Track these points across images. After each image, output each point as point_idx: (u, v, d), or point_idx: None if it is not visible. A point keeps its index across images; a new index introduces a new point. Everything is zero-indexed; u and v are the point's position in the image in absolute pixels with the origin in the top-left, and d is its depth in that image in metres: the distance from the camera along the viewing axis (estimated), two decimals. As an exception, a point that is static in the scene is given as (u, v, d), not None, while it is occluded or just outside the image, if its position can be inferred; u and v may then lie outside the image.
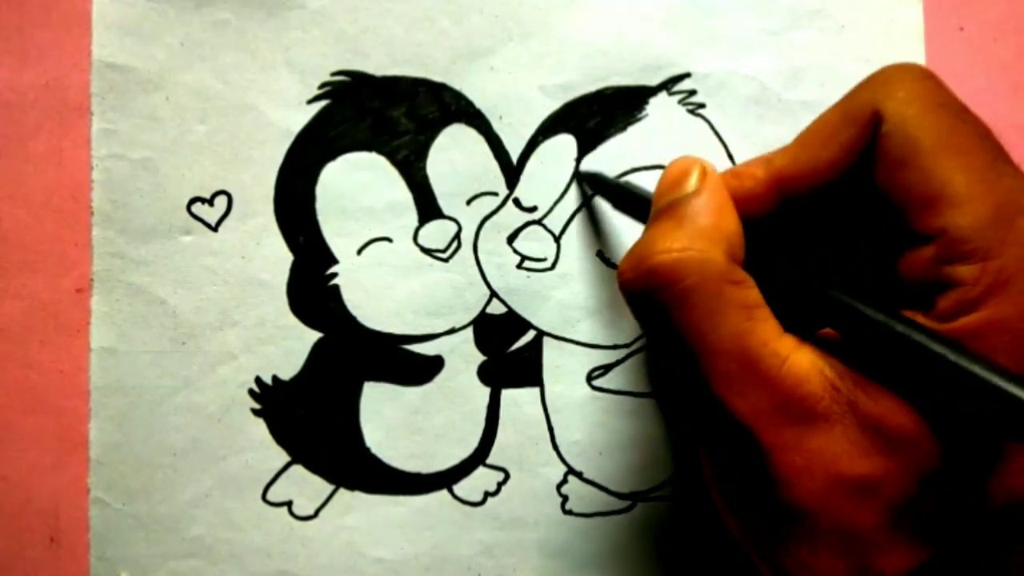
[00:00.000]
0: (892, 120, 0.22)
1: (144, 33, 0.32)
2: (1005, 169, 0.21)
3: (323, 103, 0.32)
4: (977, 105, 0.33)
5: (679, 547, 0.33)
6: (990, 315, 0.20)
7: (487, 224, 0.32)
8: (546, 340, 0.33)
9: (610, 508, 0.33)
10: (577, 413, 0.33)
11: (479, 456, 0.33)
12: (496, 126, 0.32)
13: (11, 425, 0.32)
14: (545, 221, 0.32)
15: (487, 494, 0.33)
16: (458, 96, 0.32)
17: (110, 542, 0.32)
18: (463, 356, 0.33)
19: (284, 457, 0.33)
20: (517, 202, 0.32)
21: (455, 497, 0.33)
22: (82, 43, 0.32)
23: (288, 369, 0.32)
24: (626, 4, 0.32)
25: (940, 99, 0.22)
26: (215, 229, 0.32)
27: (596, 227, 0.32)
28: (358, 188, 0.32)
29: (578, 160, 0.32)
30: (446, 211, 0.32)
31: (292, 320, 0.32)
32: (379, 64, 0.32)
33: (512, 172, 0.32)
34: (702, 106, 0.33)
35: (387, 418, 0.33)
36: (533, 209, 0.32)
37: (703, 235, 0.22)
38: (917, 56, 0.33)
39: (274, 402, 0.32)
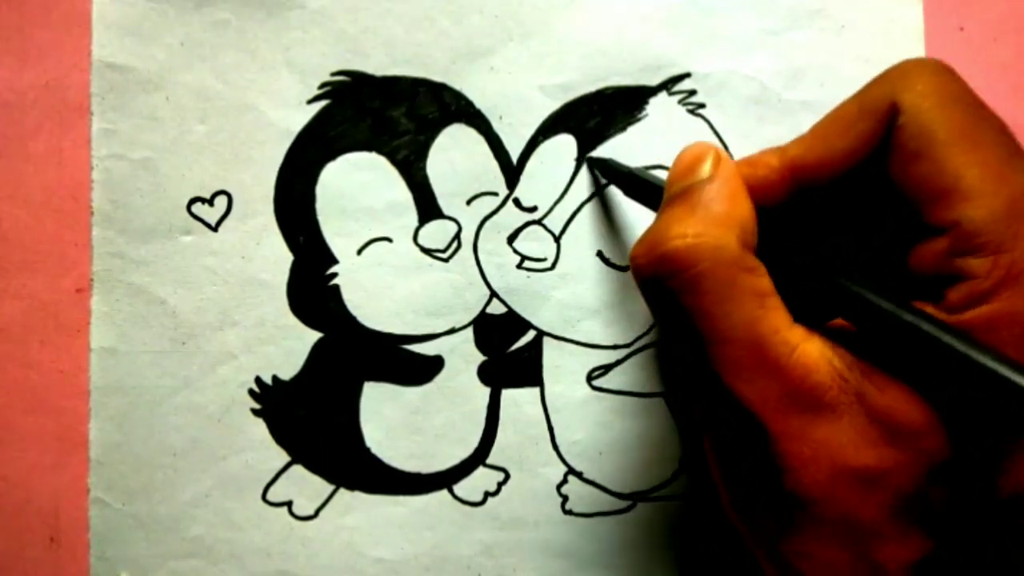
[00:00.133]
0: (908, 112, 0.22)
1: (144, 33, 0.32)
2: (1020, 164, 0.21)
3: (323, 103, 0.32)
4: (977, 105, 0.33)
5: (679, 547, 0.33)
6: (1000, 308, 0.20)
7: (487, 224, 0.32)
8: (546, 340, 0.33)
9: (610, 508, 0.33)
10: (577, 413, 0.33)
11: (479, 456, 0.33)
12: (496, 126, 0.32)
13: (11, 425, 0.32)
14: (545, 221, 0.32)
15: (487, 494, 0.33)
16: (458, 96, 0.32)
17: (110, 542, 0.32)
18: (463, 356, 0.33)
19: (284, 457, 0.33)
20: (517, 202, 0.32)
21: (455, 497, 0.33)
22: (82, 43, 0.32)
23: (288, 369, 0.32)
24: (626, 4, 0.32)
25: (957, 93, 0.22)
26: (215, 229, 0.32)
27: (597, 227, 0.32)
28: (358, 188, 0.32)
29: (578, 160, 0.32)
30: (446, 211, 0.32)
31: (292, 320, 0.32)
32: (379, 64, 0.32)
33: (512, 172, 0.32)
34: (702, 106, 0.33)
35: (387, 418, 0.33)
36: (533, 209, 0.32)
37: (717, 221, 0.22)
38: (917, 56, 0.33)
39: (274, 402, 0.32)
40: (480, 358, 0.33)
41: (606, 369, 0.33)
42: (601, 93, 0.32)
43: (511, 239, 0.32)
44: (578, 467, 0.33)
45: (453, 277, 0.32)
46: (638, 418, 0.33)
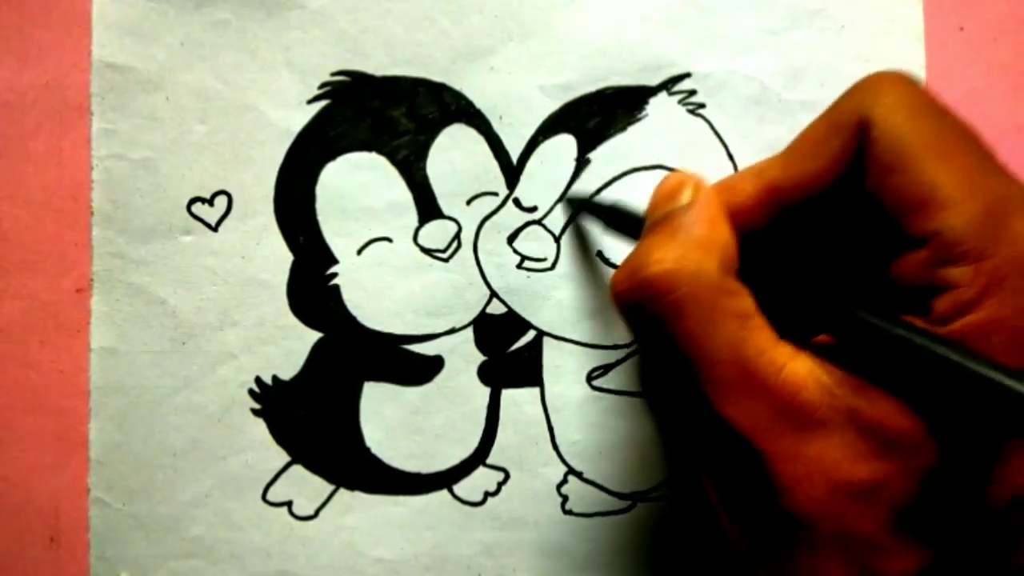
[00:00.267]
0: (879, 127, 0.22)
1: (144, 33, 0.32)
2: (993, 170, 0.22)
3: (323, 103, 0.32)
4: (977, 105, 0.33)
5: (679, 547, 0.33)
6: (987, 316, 0.20)
7: (487, 224, 0.32)
8: (546, 340, 0.33)
9: (610, 508, 0.33)
10: (577, 413, 0.33)
11: (479, 456, 0.33)
12: (496, 126, 0.32)
13: (11, 425, 0.32)
14: (545, 221, 0.32)
15: (487, 494, 0.33)
16: (458, 96, 0.32)
17: (110, 542, 0.32)
18: (463, 356, 0.33)
19: (284, 457, 0.33)
20: (517, 202, 0.32)
21: (455, 497, 0.33)
22: (82, 43, 0.32)
23: (288, 369, 0.32)
24: (626, 4, 0.32)
25: (925, 104, 0.22)
26: (215, 229, 0.32)
27: (597, 227, 0.32)
28: (358, 188, 0.32)
29: (578, 160, 0.32)
30: (446, 211, 0.32)
31: (292, 320, 0.32)
32: (379, 64, 0.32)
33: (512, 172, 0.32)
34: (702, 106, 0.33)
35: (387, 418, 0.33)
36: (533, 209, 0.32)
37: (696, 246, 0.23)
38: (917, 56, 0.33)
39: (274, 402, 0.32)
40: (480, 358, 0.33)
41: (606, 369, 0.33)
42: (601, 93, 0.32)
43: (511, 239, 0.32)
44: (578, 467, 0.33)
45: (453, 277, 0.32)
46: (638, 418, 0.33)
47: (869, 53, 0.33)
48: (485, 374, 0.33)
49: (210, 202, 0.32)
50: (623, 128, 0.32)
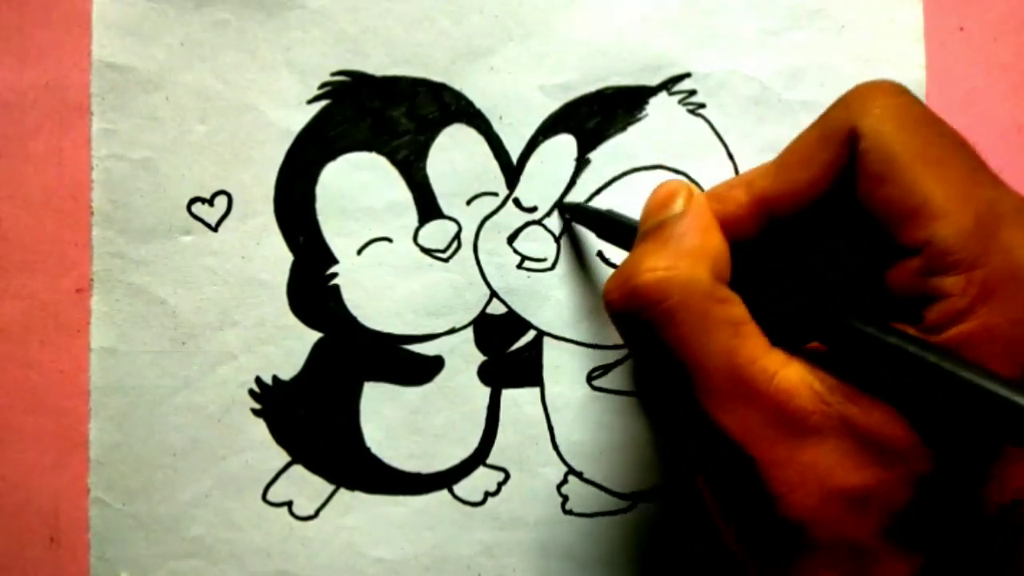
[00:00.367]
0: (869, 137, 0.22)
1: (144, 33, 0.32)
2: (984, 179, 0.22)
3: (323, 103, 0.32)
4: (977, 105, 0.33)
5: (679, 547, 0.33)
6: (979, 325, 0.20)
7: (487, 224, 0.32)
8: (546, 340, 0.33)
9: (610, 508, 0.33)
10: (577, 413, 0.33)
11: (479, 456, 0.33)
12: (496, 126, 0.32)
13: (11, 425, 0.32)
14: (545, 221, 0.32)
15: (487, 494, 0.33)
16: (458, 96, 0.32)
17: (110, 542, 0.32)
18: (463, 356, 0.33)
19: (284, 457, 0.33)
20: (517, 202, 0.32)
21: (455, 497, 0.33)
22: (82, 43, 0.32)
23: (288, 369, 0.32)
24: (626, 4, 0.32)
25: (915, 114, 0.22)
26: (215, 229, 0.32)
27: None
28: (358, 188, 0.32)
29: (578, 160, 0.32)
30: (446, 211, 0.32)
31: (292, 320, 0.32)
32: (379, 64, 0.32)
33: (512, 172, 0.32)
34: (702, 106, 0.33)
35: (387, 418, 0.33)
36: (533, 209, 0.32)
37: (688, 254, 0.23)
38: (917, 56, 0.33)
39: (274, 402, 0.32)
40: (480, 358, 0.33)
41: (606, 369, 0.33)
42: (601, 93, 0.32)
43: (511, 239, 0.32)
44: (578, 467, 0.33)
45: (453, 277, 0.32)
46: (638, 418, 0.33)
47: (869, 53, 0.33)
48: (485, 374, 0.33)
49: (210, 202, 0.32)
50: (623, 128, 0.32)
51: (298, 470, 0.33)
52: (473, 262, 0.32)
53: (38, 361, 0.32)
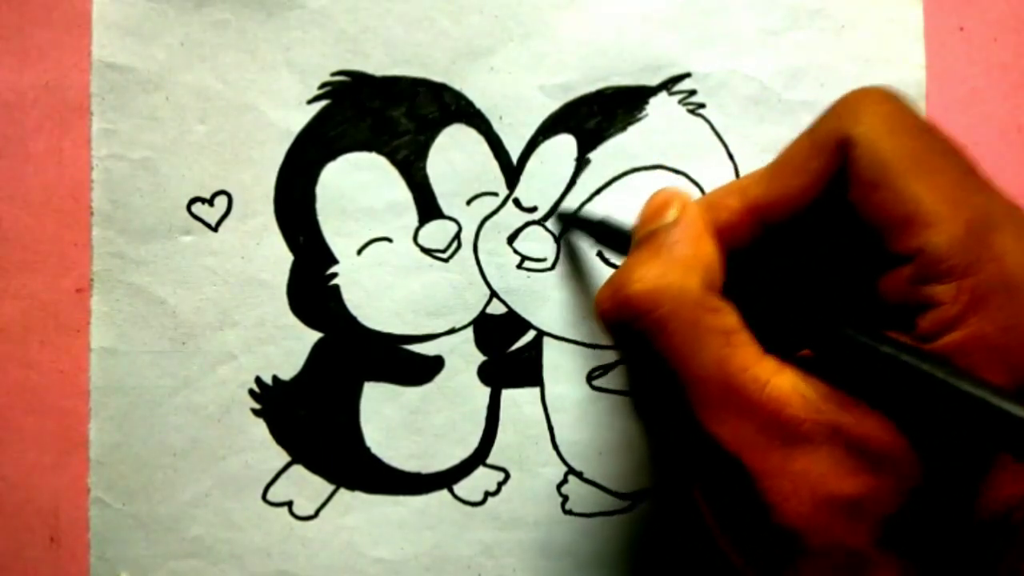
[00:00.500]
0: (861, 145, 0.22)
1: (144, 33, 0.32)
2: (976, 185, 0.22)
3: (323, 103, 0.32)
4: (977, 105, 0.33)
5: (679, 547, 0.33)
6: (971, 333, 0.20)
7: (487, 224, 0.32)
8: (546, 340, 0.33)
9: (610, 508, 0.33)
10: (577, 413, 0.33)
11: (479, 456, 0.33)
12: (496, 126, 0.32)
13: (11, 425, 0.32)
14: (545, 221, 0.32)
15: (487, 494, 0.33)
16: (458, 96, 0.32)
17: (110, 542, 0.32)
18: (463, 356, 0.33)
19: (284, 457, 0.33)
20: (517, 202, 0.32)
21: (455, 497, 0.33)
22: (82, 43, 0.32)
23: (288, 369, 0.32)
24: (626, 4, 0.32)
25: (906, 121, 0.22)
26: (215, 229, 0.32)
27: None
28: (358, 188, 0.32)
29: (578, 160, 0.32)
30: (446, 211, 0.32)
31: (292, 320, 0.32)
32: (379, 64, 0.32)
33: (512, 172, 0.32)
34: (702, 106, 0.33)
35: (387, 418, 0.33)
36: (533, 209, 0.32)
37: (679, 264, 0.23)
38: (917, 56, 0.33)
39: (274, 402, 0.32)
40: (480, 358, 0.33)
41: (606, 369, 0.33)
42: (601, 93, 0.32)
43: (511, 239, 0.32)
44: (578, 467, 0.33)
45: (453, 277, 0.32)
46: (638, 418, 0.33)
47: (869, 53, 0.33)
48: (485, 374, 0.33)
49: (210, 202, 0.32)
50: (623, 128, 0.32)
51: (298, 470, 0.33)
52: (473, 262, 0.32)
53: (38, 361, 0.32)
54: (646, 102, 0.32)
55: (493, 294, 0.32)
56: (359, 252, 0.32)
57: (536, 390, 0.33)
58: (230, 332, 0.32)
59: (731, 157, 0.33)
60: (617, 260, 0.32)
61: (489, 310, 0.33)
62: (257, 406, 0.32)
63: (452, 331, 0.33)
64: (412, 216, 0.32)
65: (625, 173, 0.32)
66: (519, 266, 0.32)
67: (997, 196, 0.22)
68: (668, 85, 0.32)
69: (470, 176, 0.32)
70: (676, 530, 0.33)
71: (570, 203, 0.32)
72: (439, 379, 0.33)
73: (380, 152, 0.32)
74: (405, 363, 0.33)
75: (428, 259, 0.32)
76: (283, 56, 0.32)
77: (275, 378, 0.32)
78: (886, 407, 0.21)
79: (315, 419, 0.33)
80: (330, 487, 0.33)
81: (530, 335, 0.33)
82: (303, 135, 0.32)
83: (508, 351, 0.33)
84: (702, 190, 0.32)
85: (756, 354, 0.22)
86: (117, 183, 0.32)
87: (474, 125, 0.32)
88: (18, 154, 0.32)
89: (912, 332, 0.21)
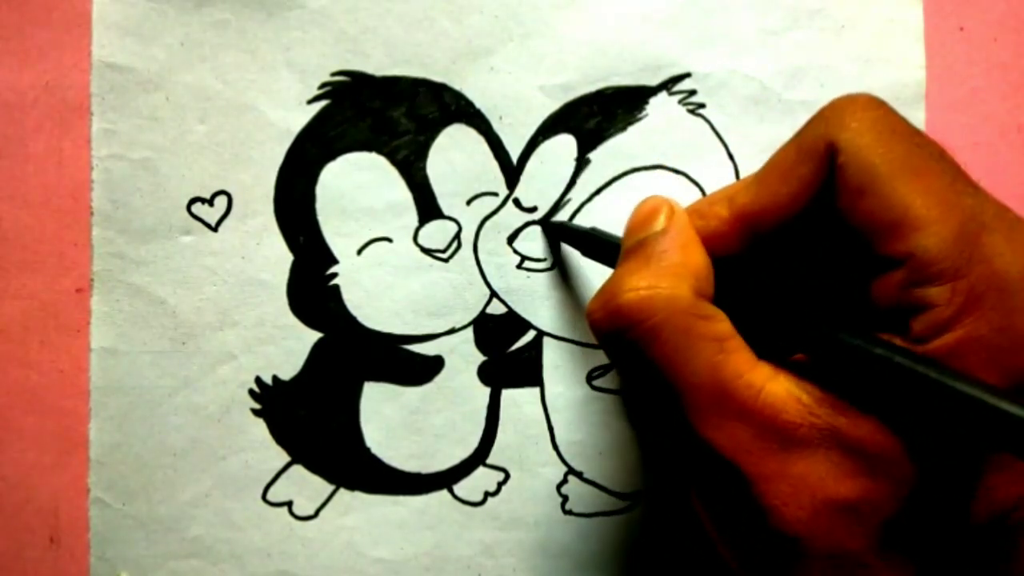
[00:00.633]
0: (847, 151, 0.22)
1: (144, 33, 0.32)
2: (964, 188, 0.22)
3: (323, 103, 0.32)
4: (977, 105, 0.33)
5: (679, 547, 0.33)
6: (965, 334, 0.20)
7: (487, 224, 0.32)
8: (546, 340, 0.33)
9: (610, 508, 0.33)
10: (577, 413, 0.33)
11: (479, 456, 0.33)
12: (496, 126, 0.32)
13: (11, 425, 0.32)
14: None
15: (487, 494, 0.33)
16: (458, 96, 0.32)
17: (110, 542, 0.32)
18: (463, 356, 0.33)
19: (284, 457, 0.33)
20: (517, 202, 0.32)
21: (455, 497, 0.33)
22: (82, 43, 0.32)
23: (288, 369, 0.32)
24: (626, 4, 0.32)
25: (892, 126, 0.22)
26: (215, 229, 0.32)
27: (597, 227, 0.32)
28: (358, 188, 0.32)
29: (578, 160, 0.32)
30: (446, 211, 0.32)
31: (292, 320, 0.32)
32: (379, 64, 0.32)
33: (512, 172, 0.32)
34: (702, 106, 0.33)
35: (387, 418, 0.33)
36: (533, 209, 0.32)
37: (669, 272, 0.23)
38: (917, 56, 0.33)
39: (274, 402, 0.32)
40: (480, 358, 0.33)
41: (606, 369, 0.33)
42: (601, 93, 0.32)
43: (511, 239, 0.32)
44: (578, 467, 0.33)
45: (453, 277, 0.32)
46: (633, 425, 0.33)
47: (869, 53, 0.33)
48: (485, 374, 0.33)
49: (210, 202, 0.32)
50: (623, 128, 0.32)
51: (298, 470, 0.33)
52: (473, 262, 0.32)
53: (38, 361, 0.32)
54: (646, 102, 0.32)
55: (493, 294, 0.32)
56: (359, 252, 0.32)
57: (536, 390, 0.33)
58: (230, 332, 0.32)
59: (731, 157, 0.33)
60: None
61: (489, 310, 0.33)
62: (257, 406, 0.32)
63: (452, 331, 0.33)
64: (412, 216, 0.32)
65: (625, 173, 0.32)
66: (519, 266, 0.32)
67: (986, 198, 0.22)
68: (668, 85, 0.32)
69: (470, 176, 0.32)
70: (676, 530, 0.33)
71: (569, 205, 0.32)
72: (439, 379, 0.33)
73: (380, 152, 0.32)
74: (405, 363, 0.33)
75: (428, 259, 0.32)
76: (283, 56, 0.32)
77: (275, 378, 0.32)
78: (881, 410, 0.21)
79: (315, 419, 0.33)
80: (330, 487, 0.33)
81: (530, 335, 0.33)
82: (303, 135, 0.32)
83: (508, 351, 0.33)
84: (702, 190, 0.32)
85: (750, 360, 0.22)
86: (117, 183, 0.32)
87: (474, 125, 0.32)
88: (18, 154, 0.32)
89: (905, 335, 0.21)
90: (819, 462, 0.21)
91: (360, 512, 0.33)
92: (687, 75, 0.32)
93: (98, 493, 0.32)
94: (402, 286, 0.32)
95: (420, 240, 0.32)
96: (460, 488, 0.33)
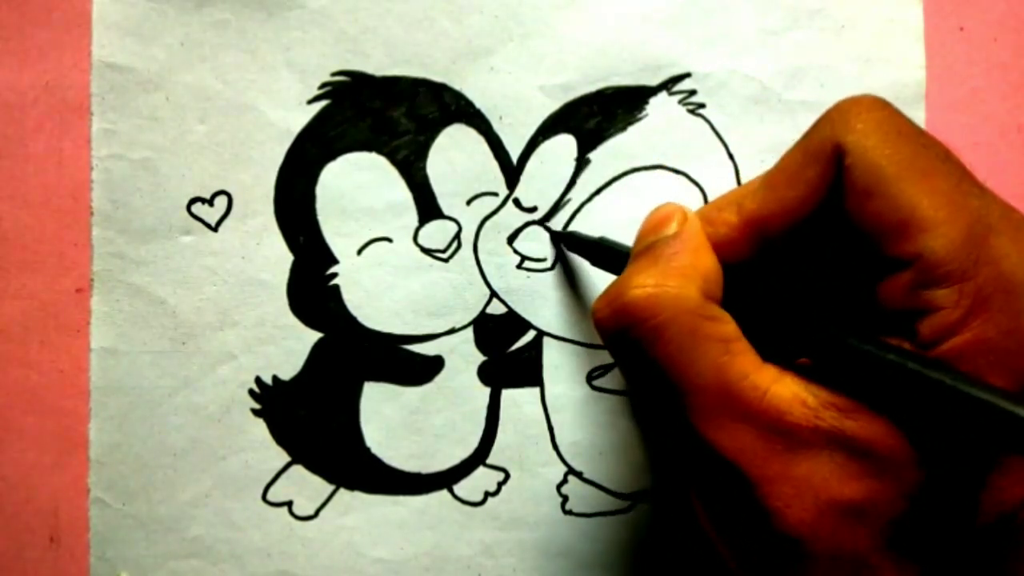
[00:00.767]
0: (854, 153, 0.22)
1: (144, 33, 0.32)
2: (971, 189, 0.22)
3: (323, 103, 0.32)
4: (977, 105, 0.33)
5: (679, 547, 0.33)
6: (972, 337, 0.20)
7: (487, 224, 0.32)
8: (546, 340, 0.33)
9: (610, 508, 0.33)
10: (577, 413, 0.33)
11: (479, 456, 0.33)
12: (496, 126, 0.32)
13: (11, 425, 0.32)
14: (546, 222, 0.32)
15: (487, 494, 0.33)
16: (458, 96, 0.32)
17: (110, 542, 0.32)
18: (463, 356, 0.33)
19: (284, 457, 0.33)
20: (517, 202, 0.32)
21: (455, 497, 0.33)
22: (82, 43, 0.32)
23: (288, 369, 0.32)
24: (626, 4, 0.32)
25: (898, 127, 0.22)
26: (215, 229, 0.32)
27: (597, 227, 0.32)
28: (358, 188, 0.32)
29: (578, 160, 0.32)
30: (446, 211, 0.32)
31: (292, 320, 0.32)
32: (379, 64, 0.32)
33: (512, 172, 0.32)
34: (702, 106, 0.33)
35: (387, 418, 0.33)
36: (533, 209, 0.32)
37: (677, 272, 0.23)
38: (917, 56, 0.33)
39: (274, 402, 0.32)
40: (480, 358, 0.33)
41: (606, 369, 0.33)
42: (601, 93, 0.32)
43: (511, 239, 0.32)
44: (578, 467, 0.33)
45: (453, 277, 0.32)
46: (636, 423, 0.33)
47: (869, 53, 0.33)
48: (485, 374, 0.33)
49: (210, 202, 0.32)
50: (623, 128, 0.32)
51: (298, 470, 0.33)
52: (473, 262, 0.32)
53: (38, 361, 0.32)
54: (646, 102, 0.32)
55: (493, 294, 0.32)
56: (359, 252, 0.32)
57: (536, 390, 0.33)
58: (230, 332, 0.32)
59: (731, 157, 0.33)
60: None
61: (489, 310, 0.33)
62: (257, 406, 0.32)
63: (452, 331, 0.33)
64: (412, 216, 0.32)
65: (625, 173, 0.32)
66: (519, 266, 0.32)
67: (993, 199, 0.22)
68: (668, 85, 0.32)
69: (470, 176, 0.32)
70: (676, 530, 0.33)
71: (569, 205, 0.32)
72: (439, 379, 0.33)
73: (380, 152, 0.32)
74: (405, 363, 0.33)
75: (428, 259, 0.32)
76: (283, 56, 0.32)
77: (275, 378, 0.32)
78: (886, 412, 0.21)
79: (315, 419, 0.33)
80: (330, 487, 0.33)
81: (530, 335, 0.33)
82: (303, 135, 0.32)
83: (508, 351, 0.33)
84: (702, 190, 0.32)
85: (755, 362, 0.22)
86: (117, 183, 0.32)
87: (474, 125, 0.32)
88: (18, 154, 0.32)
89: (913, 338, 0.21)
90: (824, 463, 0.21)
91: (360, 512, 0.33)
92: (687, 75, 0.32)
93: (98, 493, 0.32)
94: (402, 286, 0.32)
95: (420, 240, 0.32)
96: (460, 488, 0.33)
